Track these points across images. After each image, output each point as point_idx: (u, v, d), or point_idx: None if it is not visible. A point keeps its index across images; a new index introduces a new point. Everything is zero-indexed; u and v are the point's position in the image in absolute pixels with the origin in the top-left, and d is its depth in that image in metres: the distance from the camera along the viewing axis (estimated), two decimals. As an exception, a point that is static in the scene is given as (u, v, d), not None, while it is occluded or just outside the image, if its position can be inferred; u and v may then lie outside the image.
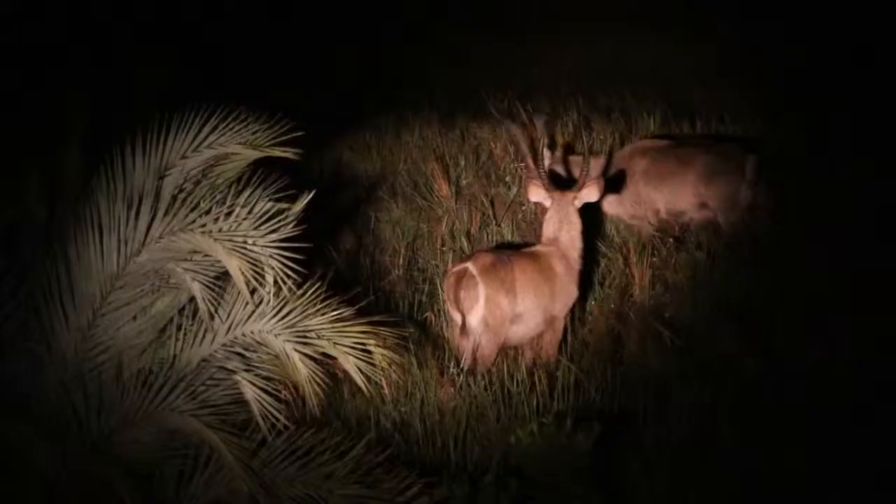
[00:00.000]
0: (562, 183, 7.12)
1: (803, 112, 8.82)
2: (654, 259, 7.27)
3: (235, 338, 5.03)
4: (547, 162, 7.68)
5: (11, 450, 4.64)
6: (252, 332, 5.04)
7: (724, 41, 10.77)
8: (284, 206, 4.93)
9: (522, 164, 7.94)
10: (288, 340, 5.00)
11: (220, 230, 4.74)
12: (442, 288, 6.85)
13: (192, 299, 4.91)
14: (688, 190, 7.77)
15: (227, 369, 4.98)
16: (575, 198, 6.52)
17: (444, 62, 10.48)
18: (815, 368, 6.11)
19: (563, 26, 11.11)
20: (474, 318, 6.25)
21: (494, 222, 7.83)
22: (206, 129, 4.89)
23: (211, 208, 4.83)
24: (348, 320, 5.11)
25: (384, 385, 5.85)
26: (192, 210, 4.80)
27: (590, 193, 6.55)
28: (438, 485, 5.05)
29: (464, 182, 8.47)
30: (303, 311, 5.04)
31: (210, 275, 4.85)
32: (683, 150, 7.88)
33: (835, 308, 6.49)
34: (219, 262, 4.76)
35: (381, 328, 5.22)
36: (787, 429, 5.70)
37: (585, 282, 6.76)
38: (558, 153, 7.96)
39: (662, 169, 7.82)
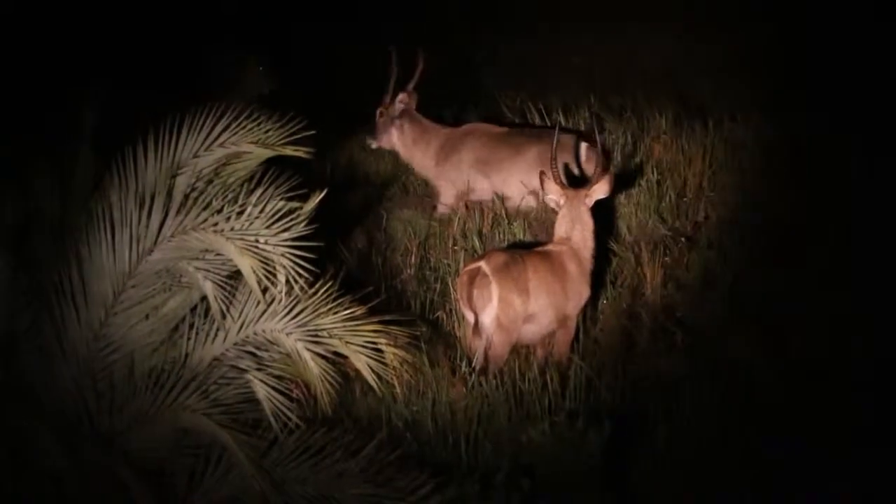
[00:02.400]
0: (575, 181, 7.12)
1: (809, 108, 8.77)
2: (666, 258, 7.24)
3: (247, 337, 5.04)
4: (400, 100, 8.19)
5: (24, 447, 4.65)
6: (264, 331, 5.05)
7: (737, 40, 10.72)
8: (296, 205, 4.94)
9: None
10: (300, 339, 5.00)
11: (232, 229, 4.74)
12: (454, 287, 6.85)
13: (204, 298, 4.92)
14: (518, 178, 7.95)
15: (238, 368, 4.99)
16: (586, 195, 6.52)
17: (455, 61, 10.44)
18: (824, 370, 6.11)
19: (575, 24, 11.08)
20: (487, 317, 6.24)
21: (506, 222, 7.81)
22: (219, 129, 4.90)
23: (223, 207, 4.83)
24: (360, 319, 5.11)
25: (396, 384, 5.84)
26: (205, 209, 4.80)
27: (600, 190, 6.55)
28: (450, 484, 5.05)
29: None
30: (314, 310, 5.04)
31: (222, 274, 4.85)
32: (516, 139, 8.12)
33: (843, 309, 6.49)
34: (231, 260, 4.77)
35: (393, 327, 5.22)
36: (796, 430, 5.70)
37: (597, 281, 6.74)
38: (411, 91, 8.33)
39: (495, 156, 8.06)
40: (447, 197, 8.16)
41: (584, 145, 7.85)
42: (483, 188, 8.14)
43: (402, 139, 8.37)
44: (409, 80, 8.32)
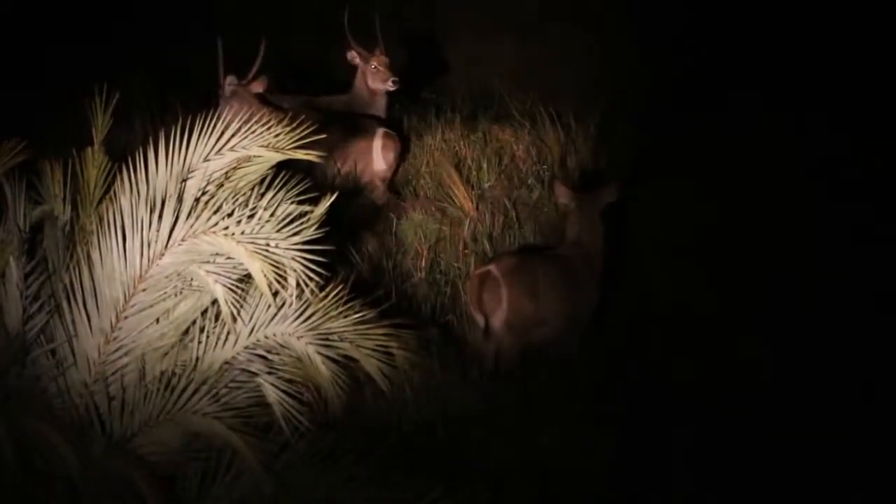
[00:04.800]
0: (586, 184, 7.11)
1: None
2: (678, 259, 7.23)
3: (258, 340, 5.03)
4: (228, 87, 7.97)
5: (35, 450, 4.66)
6: (274, 335, 5.04)
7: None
8: (307, 208, 4.93)
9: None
10: (310, 343, 5.00)
11: (242, 233, 4.73)
12: (464, 290, 6.85)
13: (215, 302, 4.91)
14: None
15: (249, 372, 4.99)
16: (596, 199, 6.51)
17: (465, 63, 10.44)
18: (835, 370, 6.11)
19: (584, 26, 11.02)
20: (497, 321, 6.25)
21: (517, 225, 7.80)
22: (229, 132, 4.89)
23: (234, 211, 4.82)
24: (370, 323, 5.10)
25: (406, 388, 5.84)
26: (215, 213, 4.79)
27: (610, 193, 6.55)
28: (460, 488, 5.04)
29: (486, 185, 8.44)
30: (325, 314, 5.04)
31: (233, 277, 4.84)
32: (323, 120, 8.04)
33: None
34: (241, 264, 4.76)
35: (404, 331, 5.22)
36: (807, 433, 5.69)
37: (607, 283, 6.73)
38: (260, 79, 8.12)
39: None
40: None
41: (381, 131, 7.98)
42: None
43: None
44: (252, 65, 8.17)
